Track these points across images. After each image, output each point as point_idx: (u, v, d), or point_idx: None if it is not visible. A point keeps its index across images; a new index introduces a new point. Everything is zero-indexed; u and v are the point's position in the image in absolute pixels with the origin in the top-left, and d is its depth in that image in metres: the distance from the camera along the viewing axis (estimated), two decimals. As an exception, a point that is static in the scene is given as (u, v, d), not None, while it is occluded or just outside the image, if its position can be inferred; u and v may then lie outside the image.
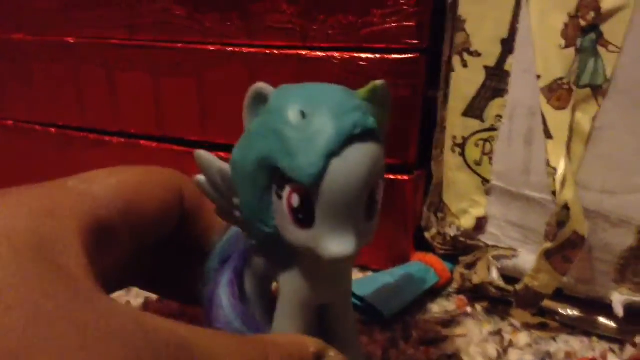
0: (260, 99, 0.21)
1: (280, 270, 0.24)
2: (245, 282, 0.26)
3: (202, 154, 0.23)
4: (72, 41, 0.46)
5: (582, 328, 0.35)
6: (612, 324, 0.34)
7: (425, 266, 0.38)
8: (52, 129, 0.49)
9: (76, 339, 0.15)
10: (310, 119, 0.20)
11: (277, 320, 0.25)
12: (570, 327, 0.35)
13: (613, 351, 0.33)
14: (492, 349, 0.34)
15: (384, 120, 0.22)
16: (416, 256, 0.40)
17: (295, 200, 0.20)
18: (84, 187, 0.22)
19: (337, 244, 0.20)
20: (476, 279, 0.36)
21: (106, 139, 0.47)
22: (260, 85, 0.21)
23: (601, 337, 0.34)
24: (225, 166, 0.22)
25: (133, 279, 0.29)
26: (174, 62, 0.43)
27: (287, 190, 0.20)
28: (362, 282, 0.35)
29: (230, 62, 0.41)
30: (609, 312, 0.33)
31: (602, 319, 0.34)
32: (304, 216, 0.20)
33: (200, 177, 0.23)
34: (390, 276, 0.37)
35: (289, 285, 0.24)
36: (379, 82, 0.21)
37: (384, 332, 0.35)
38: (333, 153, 0.19)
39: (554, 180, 0.30)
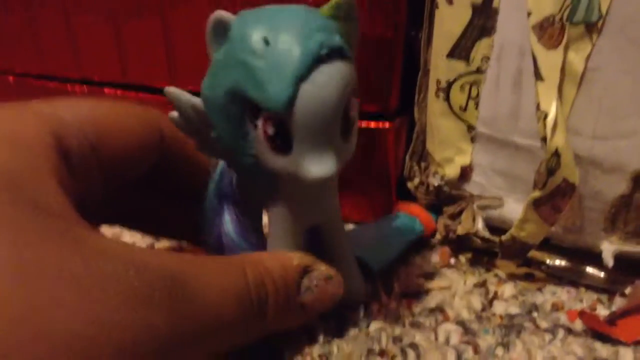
0: (222, 28, 0.20)
1: (267, 197, 0.24)
2: (241, 214, 0.26)
3: (173, 90, 0.22)
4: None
5: (569, 278, 0.34)
6: (600, 274, 0.33)
7: (409, 217, 0.36)
8: (10, 77, 0.46)
9: (69, 293, 0.15)
10: (274, 45, 0.19)
11: (270, 246, 0.26)
12: (557, 277, 0.34)
13: (601, 302, 0.32)
14: (476, 301, 0.32)
15: (353, 35, 0.22)
16: (400, 206, 0.38)
17: (270, 128, 0.20)
18: (50, 110, 0.21)
19: (316, 165, 0.20)
20: (461, 229, 0.35)
21: (68, 87, 0.44)
22: (220, 14, 0.20)
23: (589, 288, 0.33)
24: (197, 100, 0.22)
25: (117, 216, 0.28)
26: (135, 2, 0.40)
27: (261, 119, 0.20)
28: (348, 235, 0.33)
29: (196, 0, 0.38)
30: (597, 262, 0.32)
31: (590, 269, 0.33)
32: (281, 143, 0.20)
33: (174, 114, 0.23)
34: (375, 229, 0.36)
35: (276, 211, 0.24)
36: None
37: (365, 285, 0.33)
38: (301, 77, 0.19)
39: (545, 125, 0.28)
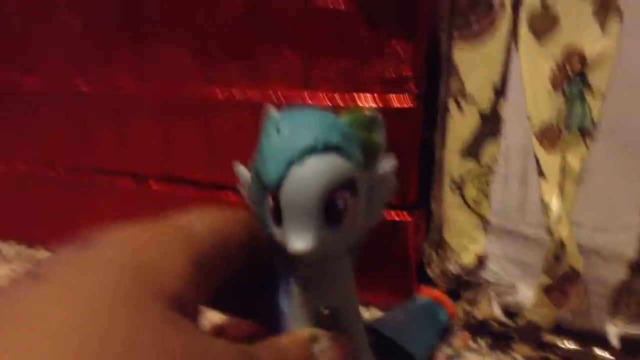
0: (265, 120, 0.24)
1: (289, 271, 0.25)
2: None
3: (238, 167, 0.25)
4: (81, 89, 0.48)
5: (579, 359, 0.36)
6: (607, 355, 0.35)
7: (433, 302, 0.39)
8: (62, 172, 0.51)
9: None
10: (281, 133, 0.22)
11: (290, 322, 0.25)
12: (568, 358, 0.36)
13: (612, 381, 0.34)
14: (496, 383, 0.35)
15: (372, 144, 0.23)
16: (423, 291, 0.41)
17: (270, 201, 0.22)
18: (184, 222, 0.24)
19: (296, 241, 0.22)
20: (479, 314, 0.37)
21: (115, 181, 0.49)
22: (269, 108, 0.24)
23: (600, 369, 0.35)
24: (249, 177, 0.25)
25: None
26: (182, 108, 0.45)
27: (267, 193, 0.22)
28: (384, 321, 0.36)
29: (238, 109, 0.43)
30: (604, 343, 0.35)
31: (598, 351, 0.35)
32: (275, 215, 0.22)
33: (241, 190, 0.25)
34: (407, 315, 0.38)
35: (295, 286, 0.25)
36: (363, 110, 0.24)
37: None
38: (293, 161, 0.21)
39: (549, 217, 0.32)
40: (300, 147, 0.21)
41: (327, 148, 0.21)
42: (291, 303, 0.27)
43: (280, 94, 0.41)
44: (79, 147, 0.49)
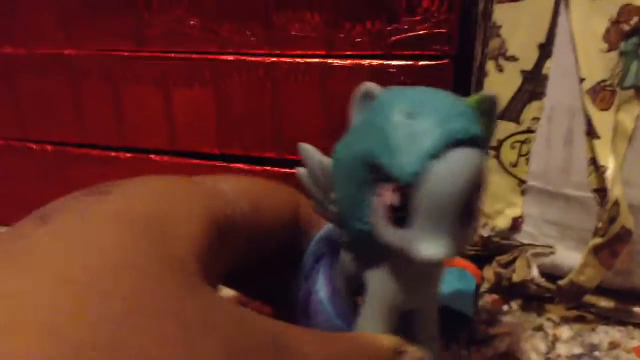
0: (368, 98, 0.21)
1: (370, 270, 0.24)
2: (336, 280, 0.26)
3: (306, 147, 0.23)
4: (71, 54, 0.44)
5: (617, 318, 0.36)
6: (647, 312, 0.36)
7: (459, 269, 0.38)
8: (49, 147, 0.47)
9: (175, 333, 0.15)
10: (415, 119, 0.20)
11: (362, 321, 0.25)
12: (604, 317, 0.37)
13: (651, 338, 0.35)
14: (540, 344, 0.35)
15: (489, 131, 0.22)
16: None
17: (393, 198, 0.20)
18: (212, 183, 0.22)
19: (430, 246, 0.20)
20: (516, 277, 0.37)
21: (111, 154, 0.45)
22: (369, 85, 0.21)
23: (636, 326, 0.36)
24: (326, 160, 0.23)
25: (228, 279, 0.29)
26: (187, 73, 0.41)
27: (385, 188, 0.20)
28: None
29: (250, 72, 0.40)
30: (643, 300, 0.35)
31: (636, 308, 0.36)
32: (399, 215, 0.20)
33: (302, 170, 0.23)
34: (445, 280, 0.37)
35: (378, 286, 0.24)
36: (488, 93, 0.22)
37: None
38: (435, 155, 0.19)
39: (604, 178, 0.31)
40: (445, 138, 0.19)
41: (468, 140, 0.20)
42: (366, 301, 0.24)
43: (299, 60, 0.39)
44: (68, 119, 0.45)
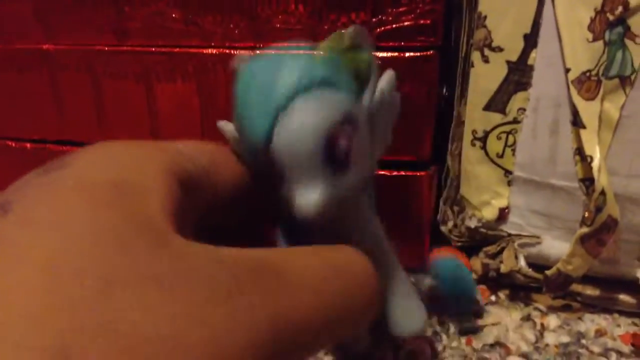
0: (237, 68, 0.22)
1: (300, 229, 0.23)
2: None
3: (223, 125, 0.23)
4: (50, 48, 0.43)
5: (602, 306, 0.37)
6: (631, 299, 0.36)
7: (452, 257, 0.39)
8: (28, 144, 0.46)
9: (155, 293, 0.14)
10: (259, 80, 0.20)
11: None
12: (591, 306, 0.37)
13: (636, 325, 0.35)
14: (529, 334, 0.35)
15: (361, 64, 0.22)
16: (436, 253, 0.40)
17: (263, 161, 0.20)
18: (167, 143, 0.22)
19: (302, 200, 0.20)
20: (504, 267, 0.37)
21: (93, 151, 0.44)
22: (240, 55, 0.22)
23: (621, 313, 0.36)
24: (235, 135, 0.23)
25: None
26: (170, 67, 0.41)
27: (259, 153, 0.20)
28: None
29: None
30: (629, 289, 0.36)
31: (622, 296, 0.36)
32: (275, 177, 0.20)
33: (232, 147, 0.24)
34: (437, 272, 0.37)
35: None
36: (341, 31, 0.21)
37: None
38: (277, 110, 0.19)
39: (590, 167, 0.32)
40: (284, 91, 0.19)
41: (314, 86, 0.19)
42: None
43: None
44: (48, 115, 0.44)
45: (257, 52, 0.22)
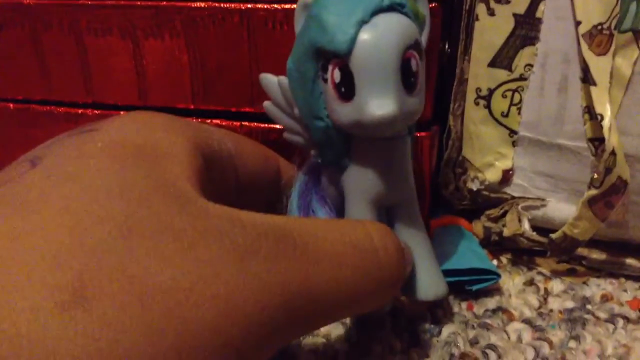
0: (305, 8, 0.24)
1: (344, 173, 0.26)
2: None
3: (265, 75, 0.27)
4: (31, 3, 0.40)
5: (608, 270, 0.36)
6: (638, 263, 0.35)
7: (457, 226, 0.37)
8: (11, 105, 0.44)
9: (173, 246, 0.15)
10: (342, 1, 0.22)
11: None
12: (596, 270, 0.36)
13: (642, 290, 0.34)
14: (532, 299, 0.34)
15: (420, 12, 0.24)
16: (436, 223, 0.39)
17: (337, 74, 0.22)
18: (196, 122, 0.25)
19: (375, 106, 0.21)
20: (507, 231, 0.36)
21: (79, 111, 0.42)
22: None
23: (628, 278, 0.35)
24: (282, 78, 0.26)
25: None
26: (156, 22, 0.39)
27: (330, 68, 0.22)
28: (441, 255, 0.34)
29: (224, 20, 0.37)
30: (636, 252, 0.34)
31: (629, 260, 0.35)
32: (346, 88, 0.22)
33: (267, 103, 0.27)
34: (449, 241, 0.36)
35: (353, 185, 0.26)
36: None
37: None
38: (362, 22, 0.21)
39: (601, 127, 0.30)
40: (369, 6, 0.21)
41: (394, 7, 0.22)
42: (347, 203, 0.26)
43: (277, 7, 0.36)
44: (31, 75, 0.42)
45: None
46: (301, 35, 0.24)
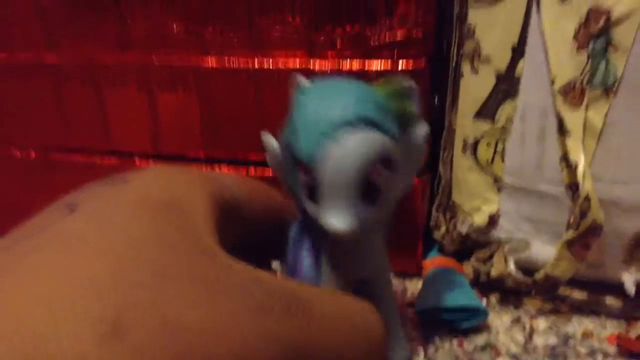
0: (297, 89, 0.24)
1: (322, 244, 0.26)
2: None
3: (266, 135, 0.26)
4: (54, 58, 0.44)
5: (590, 309, 0.38)
6: (617, 302, 0.37)
7: (449, 269, 0.40)
8: (33, 153, 0.47)
9: (200, 292, 0.17)
10: (315, 105, 0.22)
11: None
12: (578, 308, 0.38)
13: (622, 326, 0.36)
14: (518, 336, 0.36)
15: (407, 115, 0.24)
16: (429, 264, 0.41)
17: (303, 177, 0.23)
18: (210, 173, 0.25)
19: (333, 219, 0.22)
20: (494, 272, 0.38)
21: (96, 160, 0.45)
22: (298, 77, 0.24)
23: (608, 316, 0.37)
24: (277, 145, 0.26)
25: None
26: (171, 78, 0.42)
27: (300, 168, 0.23)
28: (427, 297, 0.36)
29: (233, 77, 0.41)
30: (615, 291, 0.37)
31: (609, 299, 0.37)
32: (310, 191, 0.23)
33: (267, 156, 0.27)
34: (442, 282, 0.38)
35: (327, 258, 0.26)
36: (399, 80, 0.24)
37: (418, 330, 0.36)
38: (327, 136, 0.21)
39: (576, 174, 0.33)
40: (337, 121, 0.21)
41: (364, 123, 0.22)
42: (323, 272, 0.27)
43: (281, 62, 0.40)
44: (52, 124, 0.46)
45: (316, 78, 0.25)
46: (287, 124, 0.24)
